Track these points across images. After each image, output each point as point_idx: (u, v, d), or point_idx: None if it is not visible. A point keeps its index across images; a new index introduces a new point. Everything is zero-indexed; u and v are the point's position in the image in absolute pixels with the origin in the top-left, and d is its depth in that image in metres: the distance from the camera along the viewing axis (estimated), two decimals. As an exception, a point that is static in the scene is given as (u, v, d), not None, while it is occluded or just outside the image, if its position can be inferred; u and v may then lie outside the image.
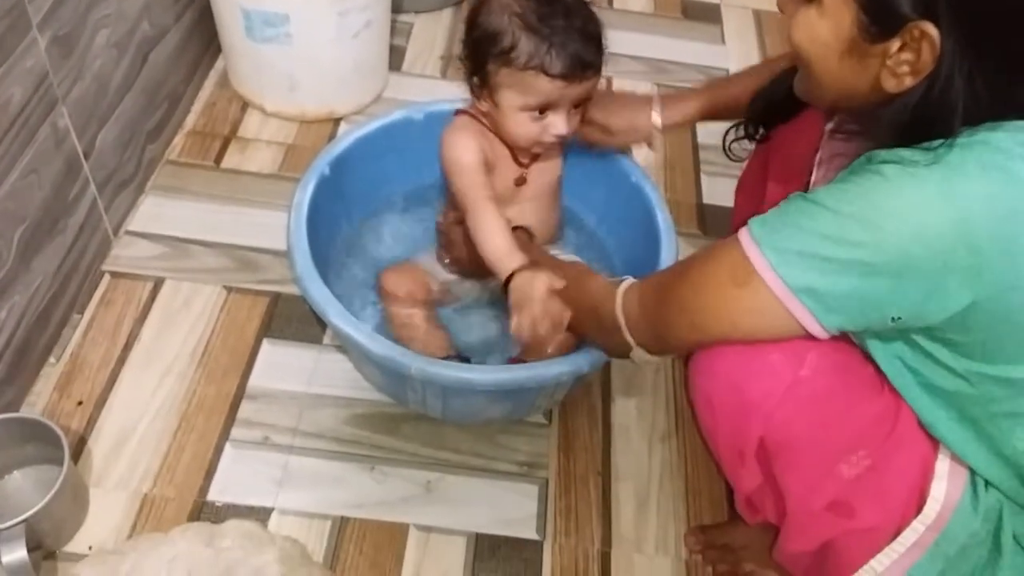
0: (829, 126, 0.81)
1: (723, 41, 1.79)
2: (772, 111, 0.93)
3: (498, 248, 0.94)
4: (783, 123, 0.92)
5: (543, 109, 0.94)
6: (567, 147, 1.11)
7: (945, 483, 0.72)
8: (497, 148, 1.02)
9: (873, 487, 0.72)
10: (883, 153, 0.64)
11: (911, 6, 0.60)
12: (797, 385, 0.71)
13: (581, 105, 0.98)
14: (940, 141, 0.61)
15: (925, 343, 0.68)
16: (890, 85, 0.64)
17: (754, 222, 0.68)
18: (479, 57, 0.94)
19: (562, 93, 0.92)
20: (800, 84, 0.75)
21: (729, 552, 0.99)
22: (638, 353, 0.79)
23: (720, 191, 1.44)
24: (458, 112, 1.04)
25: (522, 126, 0.96)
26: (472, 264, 1.03)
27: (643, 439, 1.10)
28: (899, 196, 0.60)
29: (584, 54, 0.90)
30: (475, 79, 0.96)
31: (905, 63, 0.63)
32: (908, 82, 0.63)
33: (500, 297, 1.08)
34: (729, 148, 1.00)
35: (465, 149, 0.99)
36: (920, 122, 0.62)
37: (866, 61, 0.65)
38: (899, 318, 0.64)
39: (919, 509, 0.71)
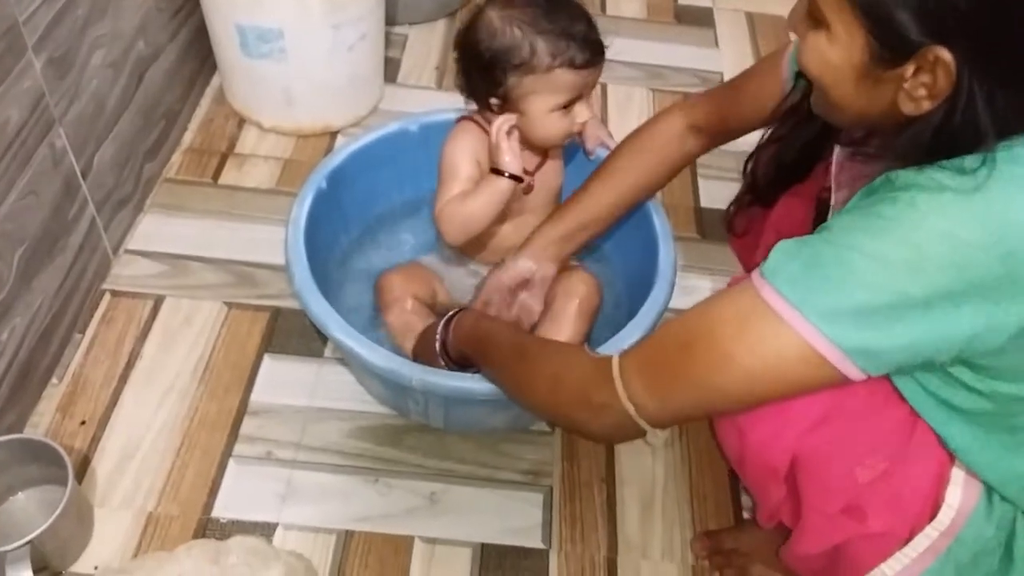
0: (841, 150, 0.77)
1: (716, 45, 1.80)
2: (784, 174, 0.89)
3: (482, 196, 0.96)
4: (798, 183, 0.89)
5: (569, 104, 0.96)
6: (566, 154, 1.12)
7: (961, 489, 0.70)
8: None
9: (887, 492, 0.71)
10: (906, 176, 0.60)
11: (920, 31, 0.57)
12: (833, 401, 0.70)
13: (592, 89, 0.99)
14: (976, 160, 0.58)
15: (952, 369, 0.65)
16: (908, 108, 0.61)
17: (781, 281, 0.61)
18: (496, 76, 0.94)
19: (586, 81, 0.95)
20: (817, 105, 0.72)
21: (736, 556, 0.98)
22: (654, 435, 0.70)
23: (717, 194, 1.44)
24: (461, 119, 1.05)
25: (553, 125, 0.97)
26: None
27: (648, 445, 1.10)
28: (940, 232, 0.57)
29: (596, 37, 0.93)
30: (494, 100, 0.96)
31: (922, 86, 0.60)
32: (927, 105, 0.60)
33: None
34: (732, 220, 0.98)
35: (463, 159, 1.00)
36: (943, 144, 0.60)
37: (882, 85, 0.62)
38: (950, 357, 0.62)
39: (933, 515, 0.70)
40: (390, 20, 1.55)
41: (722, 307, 0.66)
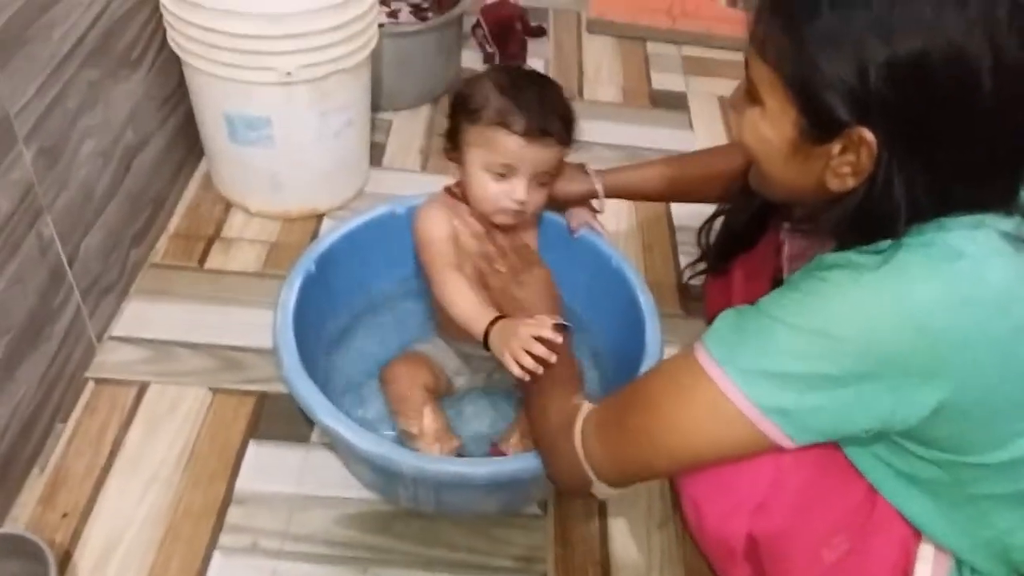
0: (787, 225, 0.83)
1: (691, 127, 1.85)
2: (733, 243, 0.96)
3: (467, 308, 0.96)
4: (745, 251, 0.94)
5: (505, 173, 0.97)
6: (544, 233, 1.14)
7: (930, 566, 0.72)
8: (471, 226, 1.04)
9: (855, 570, 0.71)
10: (831, 257, 0.65)
11: (847, 111, 0.61)
12: (779, 476, 0.71)
13: (546, 183, 1.01)
14: (888, 243, 0.62)
15: (899, 439, 0.68)
16: (834, 185, 0.65)
17: (711, 342, 0.67)
18: (454, 121, 1.00)
19: (522, 153, 0.96)
20: (753, 179, 0.77)
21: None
22: (599, 487, 0.77)
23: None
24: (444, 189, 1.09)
25: (485, 186, 0.99)
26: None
27: (640, 526, 1.09)
28: (853, 306, 0.61)
29: (547, 119, 0.96)
30: (448, 144, 1.02)
31: (847, 164, 0.64)
32: (851, 183, 0.64)
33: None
34: (688, 283, 1.03)
35: (434, 223, 1.03)
36: (863, 221, 0.64)
37: (810, 161, 0.66)
38: (871, 429, 0.65)
39: None
40: (375, 106, 1.58)
41: (663, 366, 0.74)
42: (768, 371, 0.63)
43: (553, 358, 0.85)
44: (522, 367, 0.85)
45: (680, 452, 0.70)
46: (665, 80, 2.00)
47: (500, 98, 0.95)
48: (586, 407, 0.77)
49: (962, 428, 0.64)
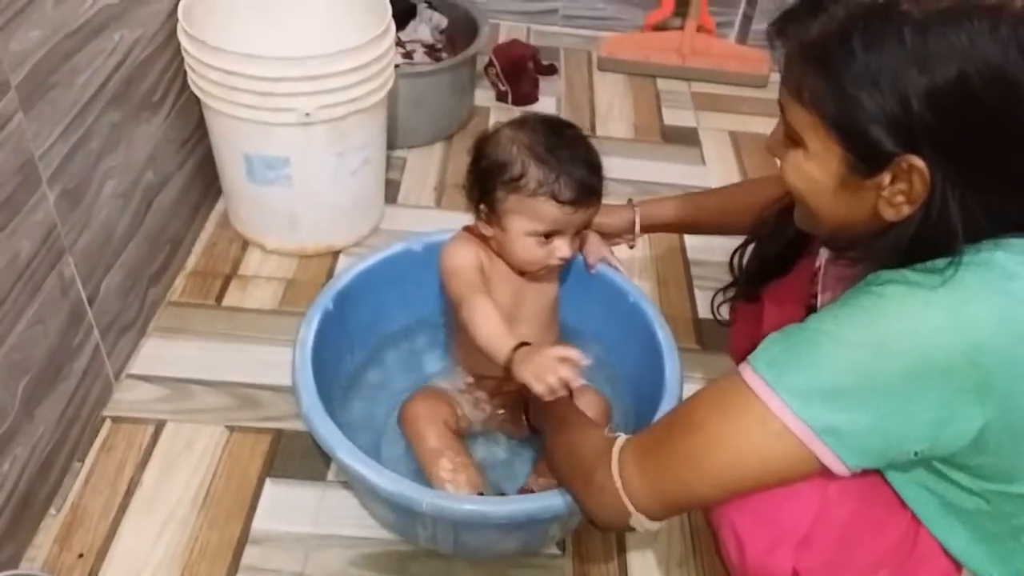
0: (827, 254, 0.83)
1: (703, 162, 1.86)
2: (766, 270, 0.95)
3: (492, 332, 0.93)
4: (778, 278, 0.93)
5: (549, 234, 0.98)
6: (563, 268, 1.14)
7: None
8: (496, 265, 1.05)
9: None
10: (887, 273, 0.64)
11: (893, 142, 0.62)
12: (825, 509, 0.70)
13: (581, 231, 1.02)
14: (945, 261, 0.62)
15: (944, 468, 0.67)
16: (889, 215, 0.65)
17: (759, 362, 0.66)
18: (487, 185, 0.98)
19: (569, 219, 0.97)
20: (800, 218, 0.76)
21: None
22: (638, 520, 0.74)
23: (715, 306, 1.46)
24: (464, 228, 1.09)
25: (529, 251, 1.00)
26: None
27: (660, 565, 1.07)
28: (907, 320, 0.61)
29: (589, 182, 0.97)
30: (482, 206, 1.01)
31: (900, 193, 0.64)
32: (906, 211, 0.64)
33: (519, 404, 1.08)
34: (718, 310, 1.02)
35: (461, 253, 1.03)
36: (920, 246, 0.64)
37: (861, 194, 0.66)
38: (920, 451, 0.64)
39: None
40: (390, 144, 1.60)
41: (706, 390, 0.72)
42: (820, 389, 0.63)
43: (577, 382, 0.84)
44: (548, 387, 0.83)
45: (726, 476, 0.68)
46: (676, 116, 2.01)
47: (540, 167, 0.94)
48: (622, 438, 0.76)
49: (1007, 455, 0.64)
